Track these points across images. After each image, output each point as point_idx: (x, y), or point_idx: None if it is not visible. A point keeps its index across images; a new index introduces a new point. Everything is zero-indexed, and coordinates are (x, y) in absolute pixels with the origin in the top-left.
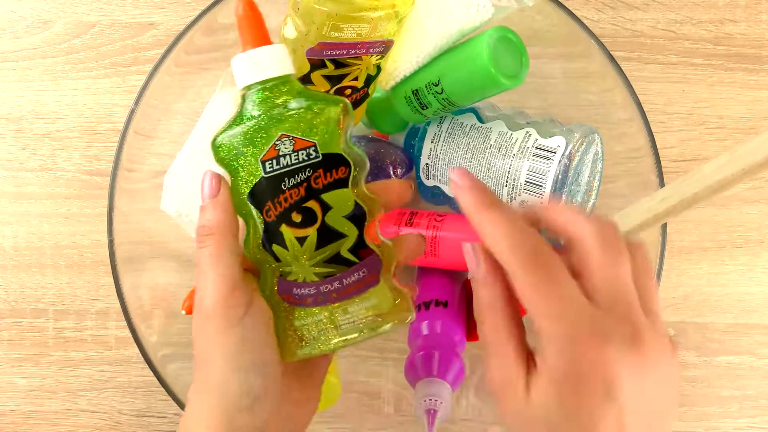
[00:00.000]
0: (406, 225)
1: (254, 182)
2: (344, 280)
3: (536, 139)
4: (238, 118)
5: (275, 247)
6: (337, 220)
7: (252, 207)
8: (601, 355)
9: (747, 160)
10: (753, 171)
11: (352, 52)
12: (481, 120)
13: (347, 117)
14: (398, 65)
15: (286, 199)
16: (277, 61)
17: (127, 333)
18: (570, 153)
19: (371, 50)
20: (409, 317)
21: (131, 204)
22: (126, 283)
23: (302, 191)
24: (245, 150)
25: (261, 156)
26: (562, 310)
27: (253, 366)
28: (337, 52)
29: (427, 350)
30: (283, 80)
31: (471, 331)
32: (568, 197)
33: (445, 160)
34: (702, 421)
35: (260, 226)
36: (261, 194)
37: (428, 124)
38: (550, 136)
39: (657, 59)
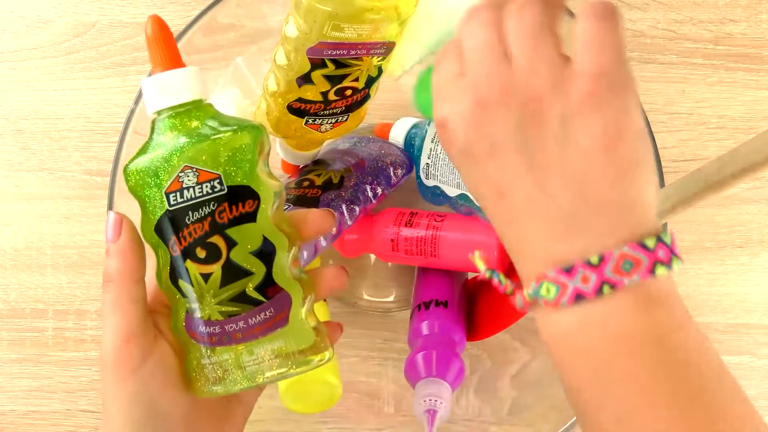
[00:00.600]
0: (405, 225)
1: (159, 215)
2: (249, 320)
3: None
4: (146, 146)
5: (181, 283)
6: (243, 256)
7: (159, 240)
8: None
9: (747, 160)
10: (753, 170)
11: (353, 52)
12: None
13: (262, 144)
14: (407, 53)
15: (190, 234)
16: (186, 85)
17: None
18: None
19: (372, 51)
20: (323, 359)
21: (131, 204)
22: None
23: (206, 226)
24: (151, 181)
25: (165, 188)
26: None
27: (145, 419)
28: (338, 52)
29: (427, 350)
30: (193, 106)
31: (471, 331)
32: None
33: (445, 159)
34: None
35: (168, 261)
36: (166, 228)
37: (428, 123)
38: None
39: (657, 59)
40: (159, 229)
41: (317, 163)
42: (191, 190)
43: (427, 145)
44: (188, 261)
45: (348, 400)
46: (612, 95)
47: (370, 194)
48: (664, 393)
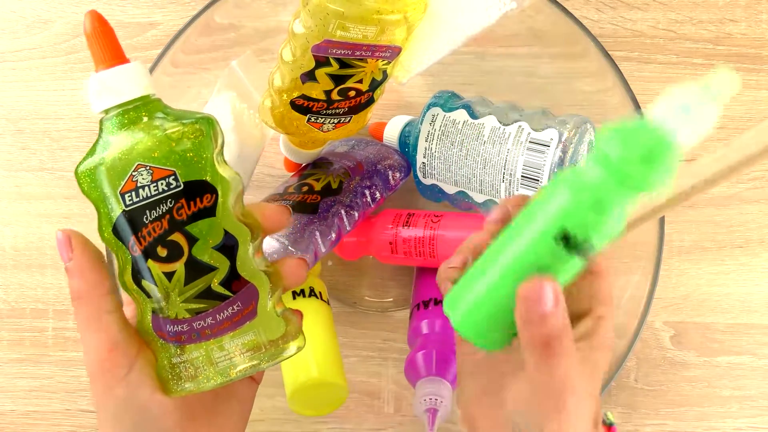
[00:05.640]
0: (403, 226)
1: (116, 216)
2: (217, 315)
3: (529, 133)
4: (96, 147)
5: (144, 283)
6: (205, 252)
7: (118, 241)
8: None
9: (743, 152)
10: (749, 162)
11: (358, 53)
12: (473, 116)
13: (215, 136)
14: (415, 59)
15: (149, 233)
16: (132, 81)
17: None
18: (564, 144)
19: (377, 54)
20: (295, 348)
21: None
22: None
23: (165, 224)
24: (104, 182)
25: (120, 188)
26: None
27: (136, 425)
28: (343, 52)
29: (427, 349)
30: (141, 102)
31: None
32: None
33: (441, 158)
34: (702, 421)
35: (129, 261)
36: (124, 229)
37: (421, 122)
38: (543, 129)
39: (657, 59)
40: (117, 231)
41: (316, 166)
42: (146, 188)
43: (422, 144)
44: (150, 261)
45: (348, 400)
46: None
47: (368, 199)
48: None
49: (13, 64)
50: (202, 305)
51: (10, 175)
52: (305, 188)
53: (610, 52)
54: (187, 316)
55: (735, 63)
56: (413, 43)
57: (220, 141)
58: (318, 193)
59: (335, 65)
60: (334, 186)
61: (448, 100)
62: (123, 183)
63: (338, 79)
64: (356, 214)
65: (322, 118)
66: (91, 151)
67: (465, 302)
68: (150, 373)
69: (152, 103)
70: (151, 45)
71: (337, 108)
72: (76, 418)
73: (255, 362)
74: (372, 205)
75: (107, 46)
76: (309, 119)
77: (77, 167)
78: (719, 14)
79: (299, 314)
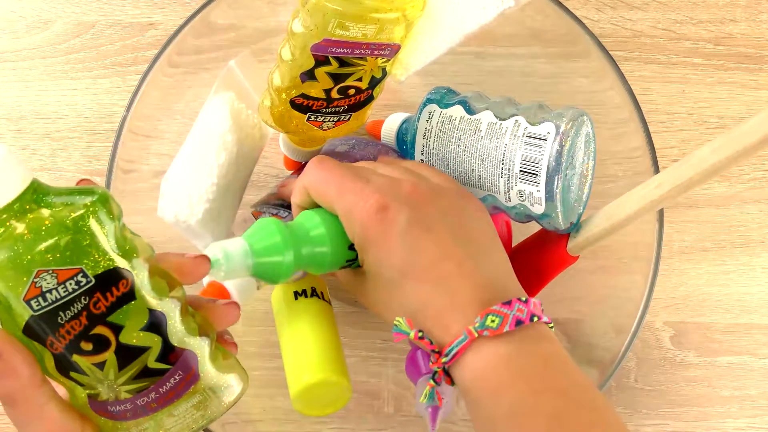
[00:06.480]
0: None
1: (23, 321)
2: (160, 389)
3: (526, 127)
4: None
5: (74, 375)
6: (133, 336)
7: (32, 341)
8: None
9: (741, 143)
10: (747, 153)
11: (357, 52)
12: (469, 111)
13: (111, 210)
14: (413, 57)
15: (68, 332)
16: (11, 174)
17: None
18: (561, 137)
19: (376, 52)
20: (242, 388)
21: (131, 204)
22: None
23: (84, 320)
24: (2, 291)
25: (22, 296)
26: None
27: None
28: (342, 51)
29: None
30: (19, 199)
31: None
32: (565, 181)
33: (439, 155)
34: (702, 421)
35: (50, 357)
36: (37, 332)
37: (418, 119)
38: (540, 123)
39: (657, 59)
40: (29, 333)
41: None
42: (54, 291)
43: (419, 141)
44: (75, 355)
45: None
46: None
47: None
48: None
49: (13, 64)
50: (142, 384)
51: None
52: None
53: (610, 52)
54: (129, 396)
55: (735, 63)
56: (412, 40)
57: (118, 212)
58: None
59: (335, 64)
60: None
61: (444, 97)
62: (25, 290)
63: (338, 78)
64: None
65: (321, 116)
66: None
67: None
68: None
69: (31, 194)
70: (151, 45)
71: (337, 106)
72: None
73: (207, 419)
74: None
75: None
76: (309, 118)
77: None
78: (719, 14)
79: (233, 347)
